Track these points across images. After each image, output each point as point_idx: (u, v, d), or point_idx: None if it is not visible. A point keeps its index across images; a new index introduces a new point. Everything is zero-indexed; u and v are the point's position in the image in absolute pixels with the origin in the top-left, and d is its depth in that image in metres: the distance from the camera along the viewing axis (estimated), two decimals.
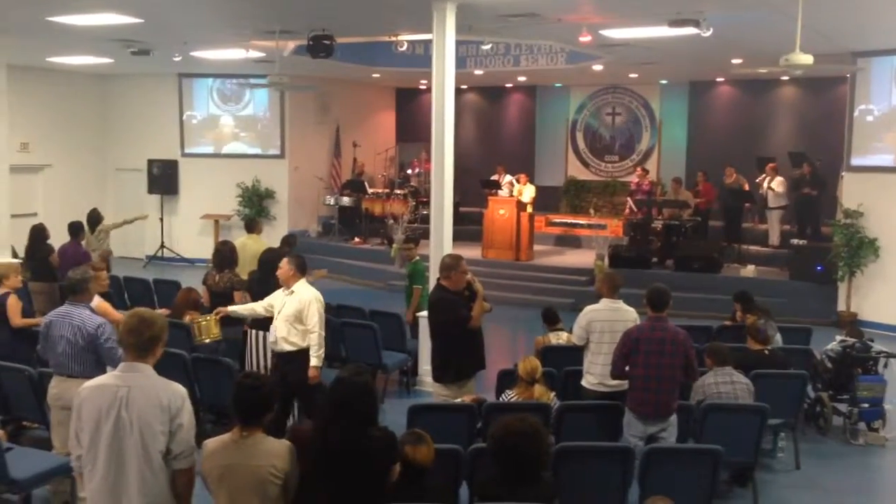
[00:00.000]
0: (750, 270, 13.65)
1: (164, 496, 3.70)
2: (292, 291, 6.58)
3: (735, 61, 13.39)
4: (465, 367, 6.42)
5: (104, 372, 5.81)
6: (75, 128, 17.51)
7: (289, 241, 10.05)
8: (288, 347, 6.56)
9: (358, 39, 12.44)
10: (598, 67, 14.80)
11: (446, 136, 8.95)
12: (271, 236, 14.29)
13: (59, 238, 10.75)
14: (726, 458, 5.25)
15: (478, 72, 15.76)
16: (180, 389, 3.75)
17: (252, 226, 10.61)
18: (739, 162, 15.53)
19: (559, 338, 7.67)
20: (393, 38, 11.69)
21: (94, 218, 11.50)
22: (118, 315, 7.10)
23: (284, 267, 6.63)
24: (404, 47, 11.74)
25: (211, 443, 3.81)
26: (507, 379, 6.81)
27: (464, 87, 18.86)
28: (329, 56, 10.64)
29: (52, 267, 10.17)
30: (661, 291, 5.88)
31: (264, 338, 7.36)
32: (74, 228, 10.65)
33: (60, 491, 5.90)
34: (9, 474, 5.36)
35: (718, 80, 17.32)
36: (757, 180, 14.96)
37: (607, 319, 6.25)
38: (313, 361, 6.54)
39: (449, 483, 4.90)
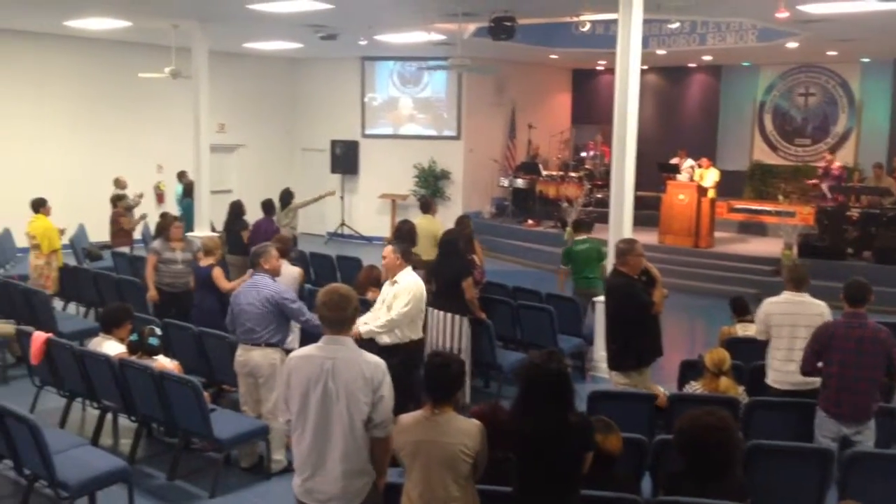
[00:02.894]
0: None
1: (363, 462, 3.88)
2: (395, 281, 6.41)
3: None
4: (645, 355, 6.25)
5: (283, 340, 6.18)
6: (266, 110, 18.53)
7: (462, 221, 10.13)
8: (387, 340, 6.35)
9: (539, 21, 12.32)
10: (791, 45, 13.93)
11: (629, 118, 8.70)
12: (446, 217, 14.49)
13: (251, 214, 11.44)
14: None
15: (660, 51, 15.25)
16: (381, 363, 3.89)
17: (427, 206, 10.79)
18: None
19: (747, 329, 7.30)
20: (575, 19, 11.51)
21: (286, 196, 12.11)
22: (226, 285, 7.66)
23: (389, 256, 6.40)
24: (586, 28, 11.53)
25: (404, 419, 3.92)
26: (690, 370, 6.59)
27: (644, 67, 18.26)
28: (510, 38, 10.62)
29: (245, 241, 10.81)
30: (861, 285, 5.47)
31: (443, 317, 7.52)
32: (267, 206, 11.25)
33: (250, 453, 6.30)
34: (213, 434, 5.76)
35: None
36: None
37: (787, 313, 5.90)
38: (363, 328, 6.19)
39: (633, 473, 4.80)
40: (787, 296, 6.03)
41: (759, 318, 6.10)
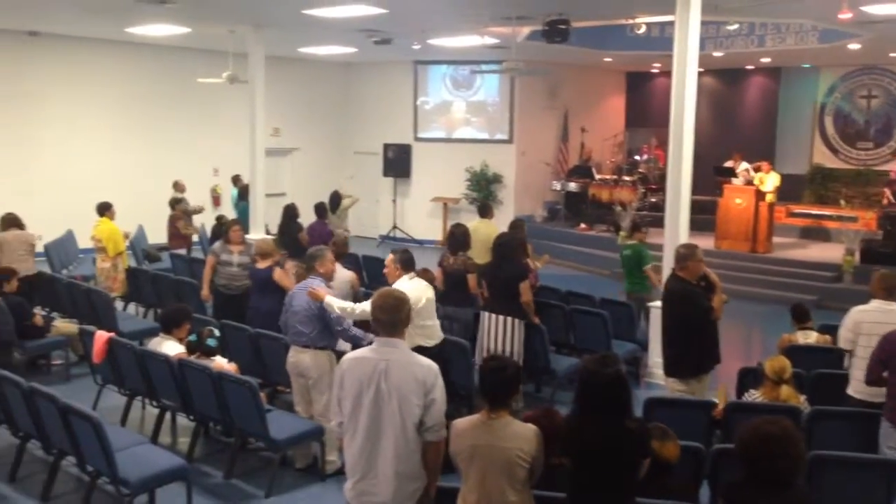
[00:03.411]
0: None
1: (415, 465, 3.88)
2: None
3: None
4: (704, 362, 6.16)
5: (332, 343, 6.20)
6: (320, 114, 18.74)
7: (516, 225, 10.09)
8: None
9: (593, 23, 12.24)
10: (854, 46, 13.60)
11: (686, 121, 8.58)
12: (498, 220, 14.47)
13: (304, 217, 11.56)
14: None
15: (717, 53, 15.02)
16: (433, 366, 3.89)
17: (485, 210, 10.80)
18: None
19: (808, 337, 7.15)
20: (630, 21, 11.39)
21: (335, 199, 12.22)
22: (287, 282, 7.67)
23: (389, 265, 6.39)
24: (642, 30, 11.41)
25: (460, 423, 3.90)
26: (749, 377, 6.48)
27: (700, 69, 18.00)
28: (564, 41, 10.56)
29: (300, 244, 10.93)
30: None
31: (495, 320, 7.50)
32: (320, 209, 11.37)
33: (305, 453, 6.35)
34: (269, 434, 5.83)
35: None
36: None
37: (876, 322, 5.73)
38: (336, 302, 6.02)
39: (690, 482, 4.72)
40: (876, 304, 5.89)
41: (846, 327, 5.95)
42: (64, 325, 8.80)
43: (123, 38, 14.42)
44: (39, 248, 10.54)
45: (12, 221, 9.66)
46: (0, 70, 14.06)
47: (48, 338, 8.46)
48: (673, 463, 4.04)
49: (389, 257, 6.45)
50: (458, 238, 8.37)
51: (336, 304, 6.02)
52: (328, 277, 6.49)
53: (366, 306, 5.80)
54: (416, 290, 6.29)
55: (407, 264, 6.39)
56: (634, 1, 10.13)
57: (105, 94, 15.43)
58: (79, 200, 12.61)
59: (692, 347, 6.02)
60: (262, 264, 8.09)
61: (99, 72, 15.27)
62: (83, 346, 7.72)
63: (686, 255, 6.10)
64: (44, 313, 8.98)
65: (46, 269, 10.91)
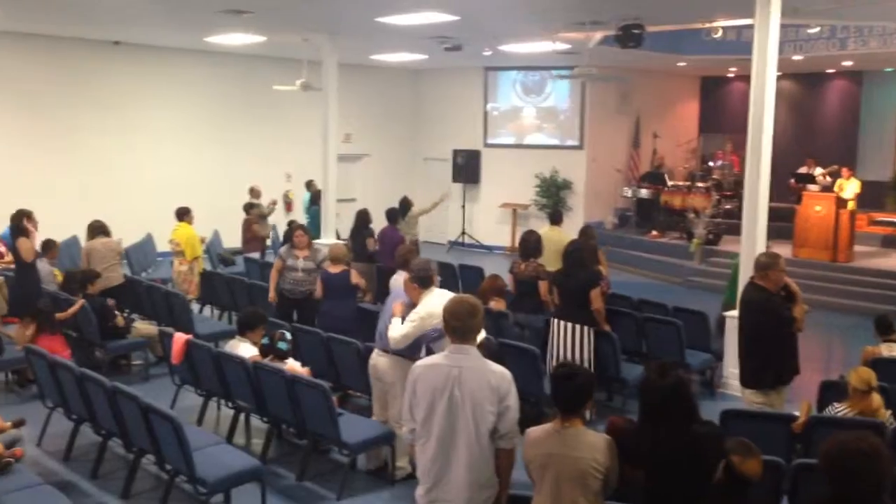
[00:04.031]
0: None
1: (488, 472, 3.87)
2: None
3: None
4: (785, 373, 5.99)
5: (410, 352, 6.18)
6: (389, 120, 18.91)
7: (586, 232, 9.98)
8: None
9: (669, 27, 12.05)
10: None
11: (765, 126, 8.39)
12: (567, 227, 14.34)
13: (375, 222, 11.66)
14: None
15: (797, 57, 14.63)
16: (507, 373, 3.88)
17: (556, 217, 10.72)
18: None
19: (893, 350, 6.89)
20: (707, 25, 11.17)
21: (405, 205, 12.29)
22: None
23: (407, 285, 5.91)
24: (719, 34, 11.17)
25: (533, 431, 3.87)
26: (831, 391, 6.26)
27: (778, 73, 17.57)
28: (638, 46, 10.43)
29: (370, 249, 11.03)
30: None
31: (565, 327, 7.44)
32: (391, 214, 11.45)
33: (376, 455, 6.39)
34: (341, 437, 5.88)
35: None
36: None
37: None
38: (396, 325, 5.76)
39: (770, 497, 4.58)
40: None
41: None
42: (144, 327, 9.06)
43: (202, 48, 14.81)
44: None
45: (99, 229, 9.81)
46: (85, 78, 14.59)
47: (129, 339, 8.72)
48: (753, 479, 3.93)
49: (406, 278, 5.98)
50: (530, 245, 8.34)
51: (393, 329, 5.78)
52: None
53: (398, 335, 5.67)
54: (434, 309, 5.82)
55: (423, 282, 5.80)
56: (712, 4, 9.93)
57: (183, 102, 15.88)
58: (157, 205, 12.98)
59: (772, 358, 5.86)
60: (334, 269, 8.18)
61: (178, 80, 15.72)
62: (162, 347, 7.93)
63: (768, 263, 5.94)
64: (124, 315, 9.23)
65: (127, 271, 11.23)
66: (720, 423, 5.41)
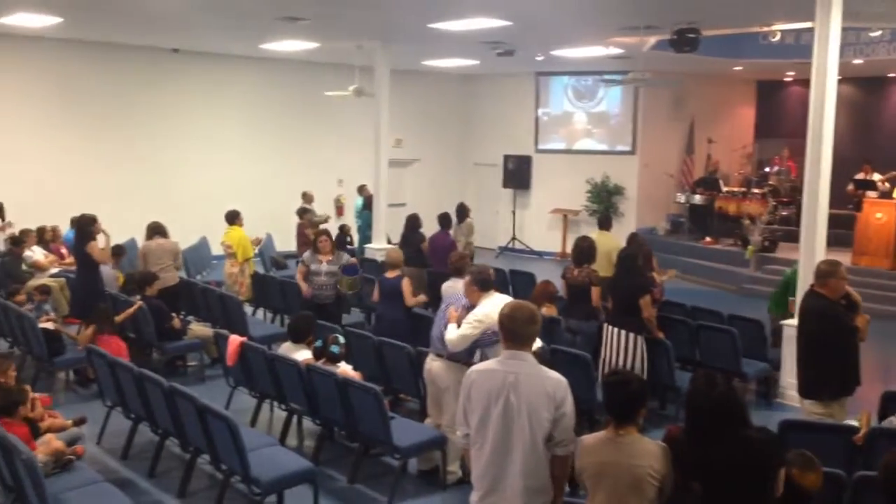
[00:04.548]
0: None
1: (543, 479, 3.84)
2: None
3: None
4: (846, 384, 5.84)
5: (465, 356, 6.18)
6: (440, 125, 18.96)
7: (635, 239, 9.88)
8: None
9: (725, 31, 11.87)
10: None
11: (825, 132, 8.24)
12: (619, 233, 14.21)
13: (425, 227, 11.69)
14: None
15: (857, 61, 14.29)
16: (563, 379, 3.85)
17: (605, 222, 10.63)
18: None
19: None
20: (764, 29, 10.99)
21: (461, 211, 12.29)
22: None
23: (467, 286, 6.00)
24: (777, 38, 10.98)
25: (587, 439, 3.84)
26: (893, 402, 6.08)
27: (838, 77, 17.19)
28: (693, 50, 10.30)
29: (422, 253, 11.06)
30: None
31: (617, 334, 7.37)
32: (444, 220, 11.46)
33: (427, 458, 6.39)
34: (392, 441, 5.91)
35: None
36: None
37: None
38: (451, 329, 5.83)
39: None
40: None
41: None
42: (199, 329, 9.22)
43: (256, 55, 15.05)
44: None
45: (156, 229, 9.99)
46: (145, 84, 14.93)
47: (185, 340, 8.87)
48: (813, 493, 3.84)
49: (466, 279, 6.11)
50: (583, 250, 8.28)
51: (450, 332, 5.85)
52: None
53: (456, 336, 5.73)
54: (491, 311, 5.89)
55: (482, 284, 5.94)
56: (771, 8, 9.76)
57: (238, 108, 16.15)
58: (212, 209, 13.16)
59: (833, 368, 5.72)
60: (390, 274, 8.23)
61: (233, 86, 16.00)
62: (217, 349, 8.05)
63: (828, 271, 5.82)
64: (181, 316, 9.40)
65: (183, 274, 11.44)
66: (778, 435, 5.30)
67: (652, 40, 12.21)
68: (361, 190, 15.25)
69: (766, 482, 3.60)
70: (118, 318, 8.35)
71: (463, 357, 5.93)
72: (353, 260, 9.24)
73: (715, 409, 3.67)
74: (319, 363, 6.54)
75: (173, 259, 9.87)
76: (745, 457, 3.59)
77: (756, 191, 16.03)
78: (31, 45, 13.52)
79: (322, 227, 13.66)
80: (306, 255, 9.22)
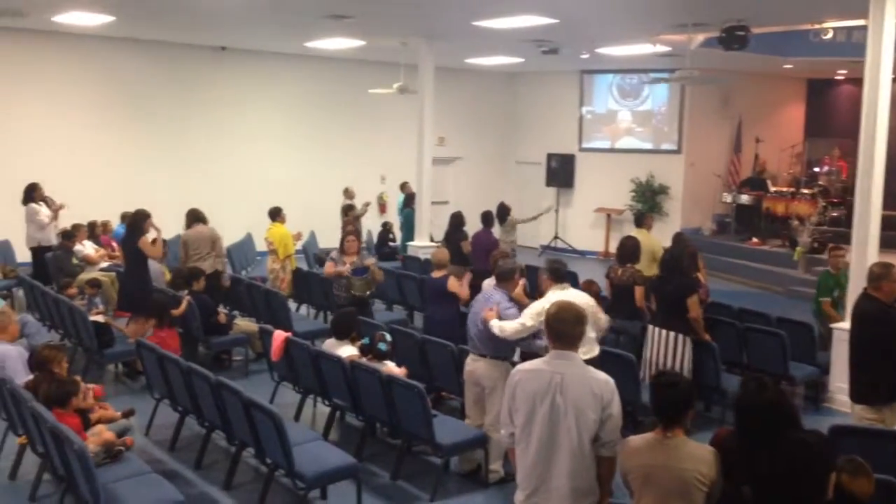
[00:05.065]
0: None
1: (589, 480, 3.82)
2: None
3: None
4: None
5: (508, 353, 6.18)
6: (483, 123, 18.94)
7: (681, 238, 9.74)
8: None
9: (775, 29, 11.67)
10: None
11: (878, 132, 8.06)
12: (664, 232, 14.08)
13: (468, 225, 11.69)
14: None
15: None
16: (610, 380, 3.82)
17: (640, 221, 10.48)
18: None
19: None
20: (816, 26, 10.78)
21: (502, 211, 12.24)
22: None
23: (541, 277, 6.25)
24: (829, 35, 10.76)
25: (633, 441, 3.80)
26: None
27: (892, 76, 16.78)
28: (742, 48, 10.14)
29: (464, 252, 11.05)
30: None
31: (662, 335, 7.28)
32: (487, 217, 11.44)
33: (469, 458, 6.39)
34: (435, 438, 5.92)
35: None
36: None
37: None
38: (497, 324, 5.91)
39: None
40: None
41: None
42: (244, 324, 9.32)
43: (301, 52, 15.18)
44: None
45: (194, 215, 10.10)
46: (193, 81, 15.17)
47: (230, 335, 8.98)
48: (865, 500, 3.76)
49: (542, 269, 6.37)
50: (628, 250, 8.23)
51: (496, 326, 5.93)
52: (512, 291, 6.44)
53: (516, 325, 5.83)
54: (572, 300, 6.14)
55: (555, 274, 6.23)
56: (822, 5, 9.57)
57: (283, 105, 16.31)
58: (257, 205, 13.32)
59: (886, 372, 5.59)
60: (436, 274, 8.23)
61: (278, 84, 16.15)
62: (262, 344, 8.13)
63: (881, 274, 5.70)
64: (225, 311, 9.51)
65: (229, 269, 11.58)
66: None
67: (700, 38, 12.04)
68: (403, 187, 15.30)
69: (821, 486, 3.53)
70: (175, 312, 8.44)
71: (503, 352, 5.99)
72: (369, 262, 9.24)
73: (766, 412, 3.61)
74: (364, 360, 6.58)
75: (211, 247, 9.89)
76: (801, 460, 3.52)
77: (805, 191, 15.73)
78: (83, 43, 13.81)
79: (363, 217, 13.86)
80: (333, 254, 9.38)
